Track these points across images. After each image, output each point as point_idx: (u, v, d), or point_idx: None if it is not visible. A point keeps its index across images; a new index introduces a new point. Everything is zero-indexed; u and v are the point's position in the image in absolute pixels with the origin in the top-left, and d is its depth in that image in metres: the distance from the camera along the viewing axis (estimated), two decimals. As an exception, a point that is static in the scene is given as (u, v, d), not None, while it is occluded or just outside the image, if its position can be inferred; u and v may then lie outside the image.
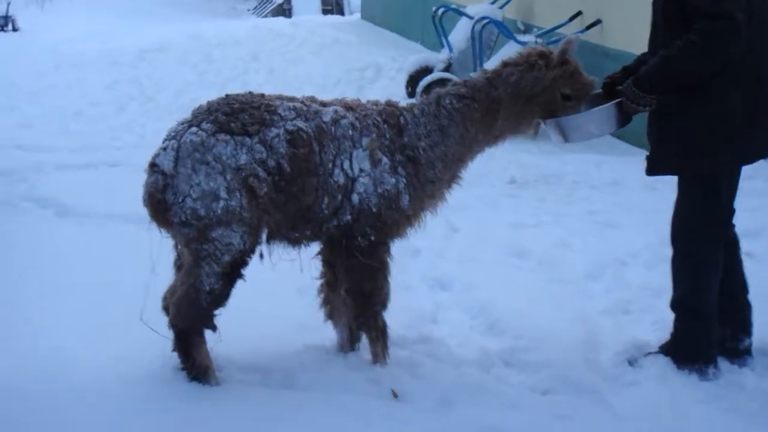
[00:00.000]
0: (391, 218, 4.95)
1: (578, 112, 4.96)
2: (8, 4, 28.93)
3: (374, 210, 4.89)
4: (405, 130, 5.00)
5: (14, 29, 27.92)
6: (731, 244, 5.18)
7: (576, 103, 4.97)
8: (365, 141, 4.90)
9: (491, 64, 8.14)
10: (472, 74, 5.28)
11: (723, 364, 5.14)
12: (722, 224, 5.06)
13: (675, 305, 5.18)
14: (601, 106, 4.99)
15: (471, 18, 12.94)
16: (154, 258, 4.96)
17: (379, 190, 4.89)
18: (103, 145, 11.03)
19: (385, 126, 4.99)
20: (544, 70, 4.92)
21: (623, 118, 4.97)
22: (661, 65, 4.79)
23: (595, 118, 4.96)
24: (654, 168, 5.05)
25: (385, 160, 4.91)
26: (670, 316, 5.23)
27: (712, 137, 4.83)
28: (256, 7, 35.17)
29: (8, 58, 18.34)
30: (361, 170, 4.87)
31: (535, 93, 4.94)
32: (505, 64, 5.06)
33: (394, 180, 4.92)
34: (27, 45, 20.36)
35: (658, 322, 5.62)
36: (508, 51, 10.64)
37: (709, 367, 5.07)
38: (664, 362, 5.14)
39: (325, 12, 30.56)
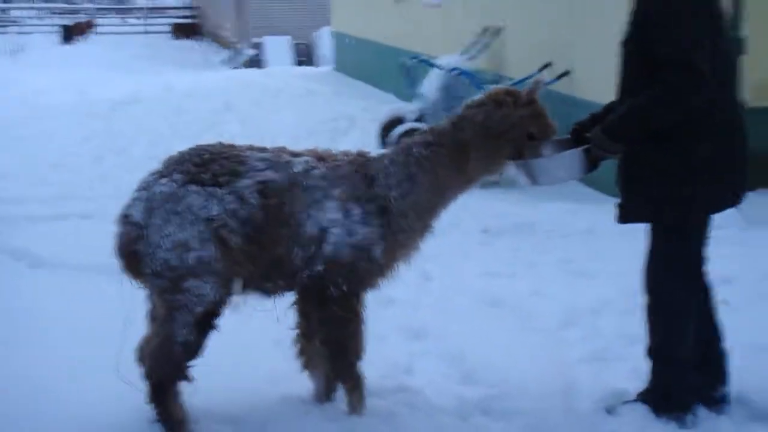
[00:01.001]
0: (364, 269, 4.94)
1: (540, 152, 4.97)
2: (-21, 56, 28.87)
3: (346, 260, 4.87)
4: (376, 180, 4.99)
5: (-15, 81, 27.83)
6: (705, 291, 5.18)
7: (539, 143, 4.97)
8: (336, 192, 4.90)
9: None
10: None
11: (701, 412, 5.13)
12: (694, 272, 5.07)
13: (650, 353, 5.17)
14: (569, 151, 5.01)
15: (441, 69, 13.02)
16: (128, 310, 4.93)
17: (351, 241, 4.88)
18: (77, 197, 10.99)
19: (357, 176, 4.99)
20: (512, 107, 4.92)
21: (591, 164, 4.99)
22: (628, 114, 4.81)
23: (565, 162, 4.98)
24: (624, 216, 5.07)
25: (356, 210, 4.90)
26: (646, 364, 5.23)
27: (680, 187, 4.85)
28: (228, 59, 35.26)
29: (-23, 110, 18.29)
30: (332, 221, 4.86)
31: (503, 130, 4.91)
32: (468, 107, 5.06)
33: (366, 230, 4.90)
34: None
35: (635, 370, 5.60)
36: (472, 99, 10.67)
37: (687, 415, 5.05)
38: (643, 410, 5.12)
39: (299, 63, 30.70)
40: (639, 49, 4.81)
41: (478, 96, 5.16)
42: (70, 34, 43.46)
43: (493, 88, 5.21)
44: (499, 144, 4.95)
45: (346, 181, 4.94)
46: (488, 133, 4.93)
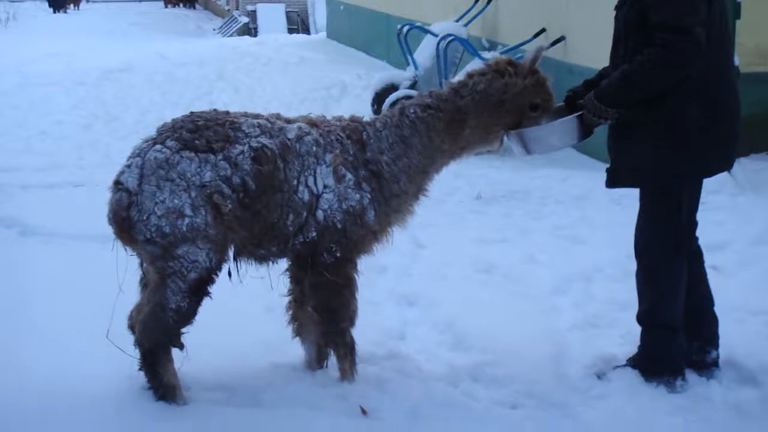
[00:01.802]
0: (357, 234, 4.94)
1: (540, 123, 4.98)
2: (-29, 24, 28.76)
3: (339, 226, 4.88)
4: (368, 144, 4.99)
5: (-23, 50, 27.74)
6: (695, 257, 5.20)
7: (541, 114, 4.98)
8: (329, 157, 4.89)
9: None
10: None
11: (691, 376, 5.16)
12: (684, 237, 5.06)
13: (641, 318, 5.19)
14: (562, 119, 5.01)
15: (436, 36, 12.97)
16: (120, 277, 4.93)
17: (344, 206, 4.88)
18: (68, 165, 10.97)
19: (349, 141, 4.97)
20: (515, 77, 4.93)
21: (585, 130, 4.99)
22: (622, 79, 4.81)
23: (557, 130, 4.98)
24: (614, 180, 5.07)
25: (349, 175, 4.90)
26: (636, 330, 5.24)
27: (670, 150, 4.85)
28: (221, 27, 35.14)
29: (-29, 78, 18.23)
30: (325, 186, 4.86)
31: (504, 100, 4.93)
32: (471, 75, 5.05)
33: (358, 195, 4.90)
34: (-10, 65, 20.23)
35: (625, 336, 5.64)
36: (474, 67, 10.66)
37: (676, 379, 5.08)
38: (632, 375, 5.15)
39: (290, 31, 30.57)
40: (633, 13, 4.80)
41: (479, 65, 5.15)
42: (57, 3, 43.26)
43: (493, 57, 5.19)
44: (499, 113, 4.96)
45: (338, 147, 4.93)
46: (488, 102, 4.93)
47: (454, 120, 4.99)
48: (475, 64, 11.49)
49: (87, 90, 16.73)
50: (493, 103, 4.94)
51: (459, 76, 5.17)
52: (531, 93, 4.95)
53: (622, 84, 4.81)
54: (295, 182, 4.83)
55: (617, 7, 5.00)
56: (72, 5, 44.75)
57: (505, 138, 5.10)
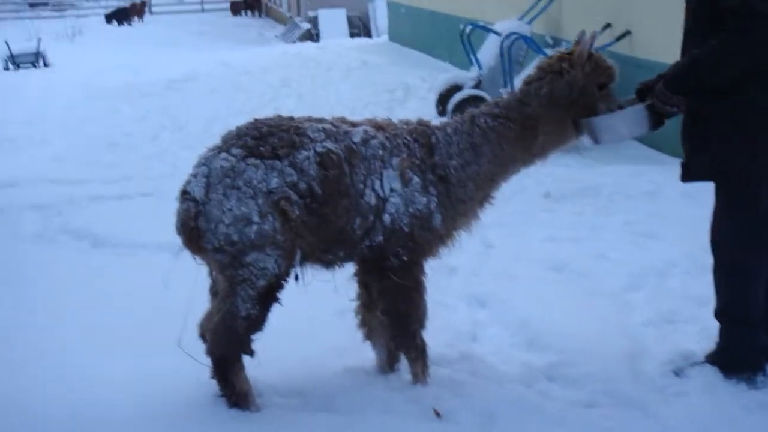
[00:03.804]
0: (423, 238, 4.90)
1: (614, 96, 4.94)
2: (39, 40, 29.27)
3: (406, 230, 4.84)
4: (436, 149, 4.95)
5: (45, 65, 28.22)
6: (774, 250, 5.09)
7: (609, 89, 4.94)
8: (395, 161, 4.85)
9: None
10: (503, 93, 5.23)
11: (771, 372, 5.05)
12: (763, 231, 4.95)
13: (719, 314, 5.10)
14: (632, 107, 4.97)
15: (499, 35, 12.90)
16: (190, 286, 4.94)
17: (411, 210, 4.84)
18: (136, 176, 11.06)
19: (416, 145, 4.94)
20: (573, 72, 4.88)
21: (654, 120, 4.92)
22: (691, 64, 4.75)
23: (627, 119, 4.92)
24: (689, 174, 4.98)
25: (416, 179, 4.86)
26: (715, 326, 5.15)
27: (747, 141, 4.75)
28: (283, 33, 35.35)
29: (40, 93, 18.52)
30: (392, 190, 4.83)
31: (573, 97, 4.89)
32: (527, 83, 5.02)
33: (425, 199, 4.86)
34: (58, 79, 20.54)
35: (703, 332, 5.53)
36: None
37: (757, 375, 4.98)
38: (712, 372, 5.06)
39: (352, 35, 30.68)
40: (704, 1, 4.70)
41: (531, 71, 5.10)
42: (121, 16, 43.90)
43: (542, 60, 5.13)
44: (572, 111, 4.92)
45: (405, 150, 4.89)
46: (557, 104, 4.90)
47: (524, 127, 4.95)
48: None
49: (153, 101, 16.89)
50: (562, 105, 4.90)
51: (518, 83, 5.12)
52: (594, 79, 4.91)
53: (691, 70, 4.74)
54: (361, 186, 4.80)
55: (687, -2, 4.92)
56: (136, 17, 45.35)
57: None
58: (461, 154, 4.93)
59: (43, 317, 6.42)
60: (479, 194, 5.03)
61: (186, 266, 4.94)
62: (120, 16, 44.59)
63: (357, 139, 4.86)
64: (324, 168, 4.73)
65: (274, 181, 4.66)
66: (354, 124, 4.99)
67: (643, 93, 5.08)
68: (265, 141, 4.75)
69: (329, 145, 4.79)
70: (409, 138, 4.96)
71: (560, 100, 4.90)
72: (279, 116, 4.98)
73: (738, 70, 4.64)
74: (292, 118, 4.96)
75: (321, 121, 4.96)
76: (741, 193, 4.89)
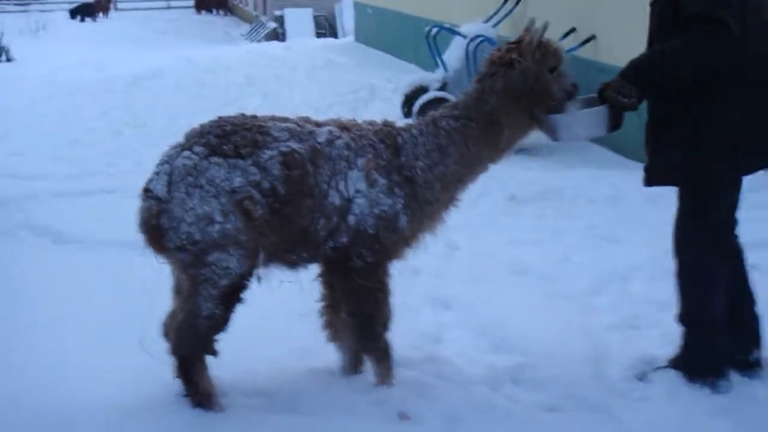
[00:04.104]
0: (388, 240, 4.88)
1: (566, 78, 4.97)
2: (1, 35, 28.99)
3: (371, 232, 4.82)
4: (402, 150, 4.93)
5: (8, 59, 27.95)
6: (736, 255, 5.12)
7: (559, 71, 4.96)
8: (361, 161, 4.83)
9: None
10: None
11: (734, 376, 5.08)
12: (724, 235, 5.00)
13: (682, 318, 5.12)
14: (591, 108, 4.98)
15: (464, 37, 12.90)
16: (152, 285, 4.91)
17: (376, 212, 4.82)
18: (99, 172, 10.97)
19: (382, 146, 4.92)
20: (524, 61, 4.90)
21: (613, 122, 4.93)
22: (650, 57, 4.80)
23: (585, 120, 4.95)
24: (651, 179, 5.00)
25: (381, 180, 4.84)
26: (677, 330, 5.17)
27: (709, 147, 4.78)
28: (249, 32, 35.25)
29: (1, 88, 18.31)
30: (357, 191, 4.80)
31: (530, 85, 4.89)
32: (480, 80, 5.03)
33: (390, 201, 4.85)
34: (20, 74, 20.31)
35: (666, 336, 5.55)
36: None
37: (719, 379, 5.01)
38: (674, 376, 5.08)
39: (318, 35, 30.64)
40: (669, 7, 4.73)
41: (481, 68, 5.11)
42: (86, 11, 43.58)
43: (492, 53, 5.13)
44: (531, 100, 4.92)
45: (371, 151, 4.88)
46: (517, 95, 4.90)
47: (488, 124, 4.95)
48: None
49: (116, 97, 16.75)
50: (520, 95, 4.91)
51: (471, 85, 5.13)
52: (545, 64, 4.94)
53: (650, 61, 4.78)
54: (325, 187, 4.78)
55: (652, 3, 4.93)
56: (101, 13, 45.06)
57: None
58: (428, 155, 4.92)
59: (2, 312, 6.36)
60: (445, 196, 5.02)
61: (149, 264, 4.89)
62: (85, 11, 44.26)
63: (322, 139, 4.84)
64: (288, 168, 4.70)
65: (237, 180, 4.63)
66: (319, 124, 4.96)
67: (603, 93, 5.10)
68: (228, 139, 4.71)
69: (293, 144, 4.76)
70: (374, 139, 4.94)
71: (517, 91, 4.90)
72: (243, 115, 4.93)
73: (695, 70, 4.67)
74: (256, 117, 4.92)
75: (285, 120, 4.93)
76: (703, 197, 4.91)
